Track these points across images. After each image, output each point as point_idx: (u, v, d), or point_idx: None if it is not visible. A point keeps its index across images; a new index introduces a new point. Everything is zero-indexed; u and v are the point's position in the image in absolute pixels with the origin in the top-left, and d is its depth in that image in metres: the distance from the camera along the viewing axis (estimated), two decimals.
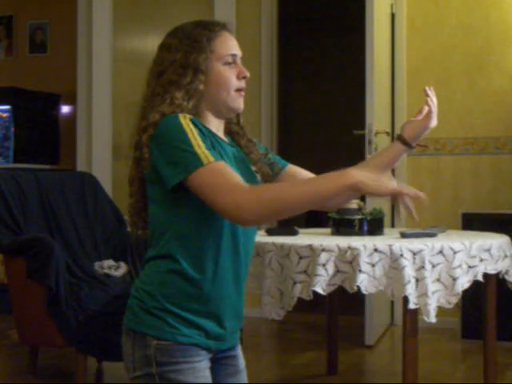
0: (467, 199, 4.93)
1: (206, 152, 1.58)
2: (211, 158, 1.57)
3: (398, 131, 5.29)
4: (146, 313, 1.66)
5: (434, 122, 1.94)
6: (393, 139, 5.03)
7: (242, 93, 1.76)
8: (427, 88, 1.95)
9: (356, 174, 1.50)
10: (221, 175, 1.56)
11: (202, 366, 1.67)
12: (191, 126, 1.62)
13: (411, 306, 2.58)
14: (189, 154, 1.57)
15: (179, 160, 1.58)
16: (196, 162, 1.57)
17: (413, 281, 2.57)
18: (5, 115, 5.68)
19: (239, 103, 1.76)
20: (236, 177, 1.58)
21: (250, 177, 1.76)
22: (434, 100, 1.94)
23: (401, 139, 1.92)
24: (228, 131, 1.85)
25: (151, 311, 1.65)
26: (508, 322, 4.17)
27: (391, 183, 1.50)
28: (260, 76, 5.29)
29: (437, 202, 4.98)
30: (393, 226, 4.94)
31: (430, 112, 1.92)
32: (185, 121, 1.62)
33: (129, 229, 1.97)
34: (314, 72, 7.78)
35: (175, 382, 1.64)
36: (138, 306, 1.68)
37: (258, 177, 1.82)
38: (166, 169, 1.60)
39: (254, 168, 1.83)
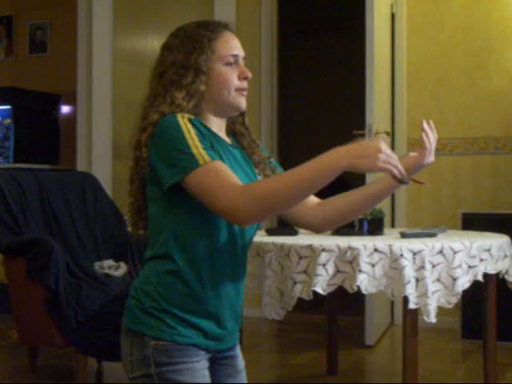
0: (467, 199, 4.93)
1: (203, 152, 1.58)
2: (207, 158, 1.57)
3: (397, 131, 5.30)
4: (144, 313, 1.66)
5: (429, 159, 1.82)
6: (393, 139, 5.03)
7: (244, 92, 1.76)
8: (424, 122, 1.81)
9: (344, 155, 1.50)
10: (216, 176, 1.56)
11: (200, 366, 1.67)
12: (189, 125, 1.61)
13: (411, 305, 2.58)
14: (185, 155, 1.57)
15: (175, 161, 1.58)
16: (192, 163, 1.57)
17: (413, 281, 2.57)
18: (7, 121, 5.68)
19: (241, 102, 1.75)
20: (232, 177, 1.57)
21: (251, 179, 1.76)
22: (430, 136, 1.80)
23: None
24: (232, 132, 1.85)
25: (149, 311, 1.65)
26: (508, 322, 4.17)
27: (382, 158, 1.50)
28: (260, 76, 5.29)
29: (437, 202, 4.98)
30: (393, 226, 4.95)
31: (424, 149, 1.80)
32: (182, 120, 1.62)
33: (129, 229, 1.96)
34: (314, 72, 7.78)
35: (174, 382, 1.64)
36: (137, 306, 1.68)
37: (260, 179, 1.82)
38: (162, 169, 1.60)
39: (256, 170, 1.83)
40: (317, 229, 1.88)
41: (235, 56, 1.74)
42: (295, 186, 1.53)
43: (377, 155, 1.50)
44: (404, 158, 1.84)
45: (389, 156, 1.51)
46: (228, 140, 1.79)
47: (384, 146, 1.50)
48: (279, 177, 1.60)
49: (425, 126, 1.81)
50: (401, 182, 1.68)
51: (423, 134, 1.80)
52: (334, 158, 1.51)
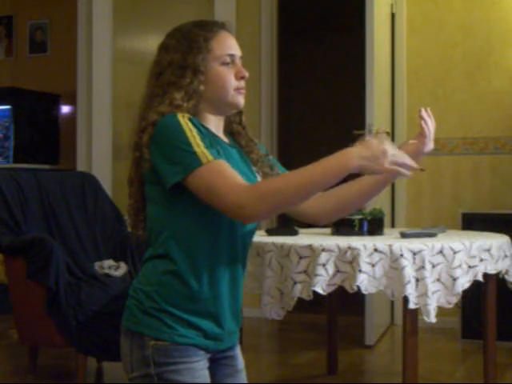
0: (467, 199, 4.93)
1: (205, 151, 1.58)
2: (210, 157, 1.57)
3: (397, 131, 5.30)
4: (143, 313, 1.66)
5: (428, 147, 1.84)
6: (393, 139, 5.03)
7: (242, 91, 1.75)
8: (422, 110, 1.82)
9: (354, 156, 1.53)
10: (220, 174, 1.56)
11: (200, 366, 1.67)
12: (190, 124, 1.61)
13: (411, 305, 2.58)
14: (187, 154, 1.57)
15: (178, 160, 1.58)
16: (195, 161, 1.57)
17: (413, 281, 2.57)
18: (7, 121, 5.68)
19: (239, 100, 1.75)
20: (235, 175, 1.58)
21: (250, 177, 1.75)
22: (429, 123, 1.82)
23: None
24: (229, 131, 1.85)
25: (149, 312, 1.65)
26: (508, 322, 4.17)
27: (389, 160, 1.52)
28: (260, 76, 5.29)
29: (437, 202, 4.98)
30: (393, 226, 4.95)
31: (424, 136, 1.82)
32: (183, 120, 1.62)
33: (129, 229, 1.97)
34: (314, 71, 7.78)
35: (173, 382, 1.64)
36: (136, 306, 1.68)
37: (259, 177, 1.82)
38: (164, 168, 1.60)
39: (254, 168, 1.83)
40: (317, 220, 1.88)
41: (232, 56, 1.73)
42: (302, 184, 1.54)
43: (384, 157, 1.53)
44: (404, 146, 1.87)
45: (394, 156, 1.53)
46: (226, 139, 1.79)
47: (389, 148, 1.53)
48: (286, 175, 1.63)
49: (423, 113, 1.83)
50: None
51: (422, 122, 1.83)
52: (343, 160, 1.53)
